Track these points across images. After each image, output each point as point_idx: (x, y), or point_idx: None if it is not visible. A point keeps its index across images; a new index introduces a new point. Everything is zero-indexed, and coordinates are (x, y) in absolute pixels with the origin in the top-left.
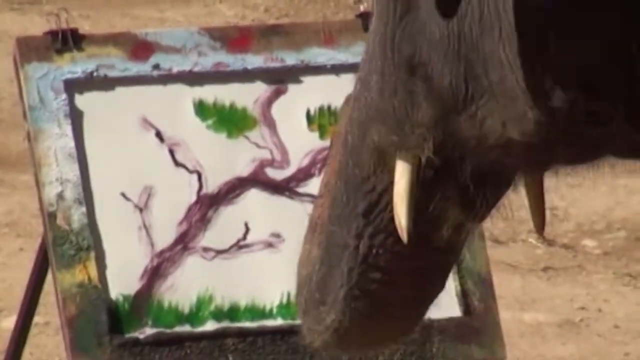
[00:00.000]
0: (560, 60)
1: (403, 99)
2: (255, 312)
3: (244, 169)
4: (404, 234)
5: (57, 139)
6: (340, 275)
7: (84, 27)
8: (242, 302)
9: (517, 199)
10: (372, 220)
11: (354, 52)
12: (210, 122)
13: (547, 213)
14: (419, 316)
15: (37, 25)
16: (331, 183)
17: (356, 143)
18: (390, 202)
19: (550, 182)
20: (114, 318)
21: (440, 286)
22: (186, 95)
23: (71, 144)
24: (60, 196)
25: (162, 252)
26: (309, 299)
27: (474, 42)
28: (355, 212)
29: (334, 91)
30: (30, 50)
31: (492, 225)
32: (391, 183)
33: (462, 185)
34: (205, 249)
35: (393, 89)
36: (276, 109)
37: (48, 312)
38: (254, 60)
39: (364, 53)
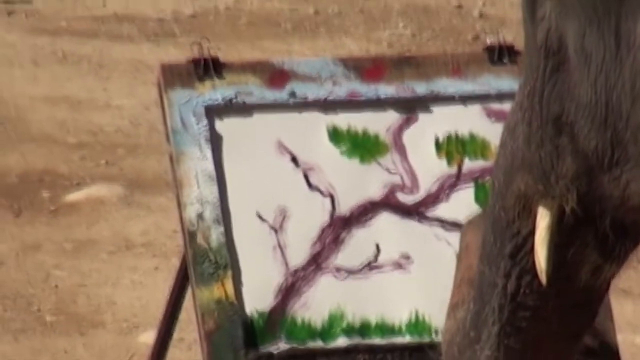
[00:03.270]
0: None
1: (549, 151)
2: (385, 329)
3: (376, 193)
4: (543, 276)
5: (198, 162)
6: (492, 312)
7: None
8: (372, 320)
9: None
10: (518, 261)
11: (480, 83)
12: (344, 148)
13: None
14: (570, 353)
15: (171, 55)
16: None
17: (502, 188)
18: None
19: None
20: (250, 333)
21: (587, 323)
22: (321, 122)
23: (211, 166)
24: (200, 216)
25: (296, 271)
26: (463, 340)
27: (622, 112)
28: (503, 253)
29: (461, 120)
30: (174, 77)
31: None
32: (535, 228)
33: (602, 234)
34: (338, 269)
35: (540, 141)
36: (407, 137)
37: (182, 329)
38: (386, 90)
39: (513, 102)
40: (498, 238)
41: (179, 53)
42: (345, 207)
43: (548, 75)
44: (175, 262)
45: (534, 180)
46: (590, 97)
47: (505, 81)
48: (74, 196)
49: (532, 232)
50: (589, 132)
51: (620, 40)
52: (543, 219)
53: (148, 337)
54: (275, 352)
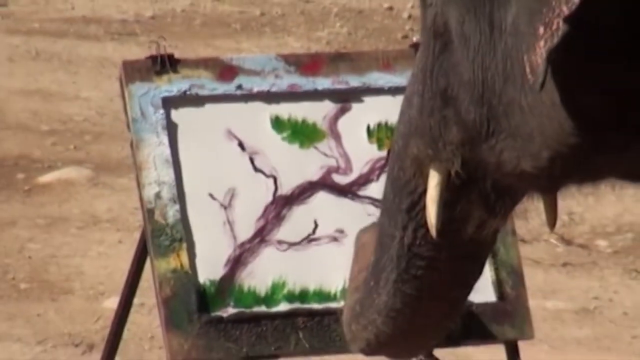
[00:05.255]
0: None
1: (437, 120)
2: (322, 295)
3: (314, 175)
4: (433, 230)
5: (155, 147)
6: (390, 260)
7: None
8: (311, 287)
9: (539, 205)
10: (414, 216)
11: (407, 77)
12: (285, 134)
13: (566, 217)
14: (460, 301)
15: (133, 53)
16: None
17: (400, 151)
18: None
19: (567, 191)
20: (202, 299)
21: (476, 273)
22: (265, 112)
23: (167, 151)
24: (157, 195)
25: (243, 244)
26: (364, 296)
27: (496, 90)
28: (400, 208)
29: (390, 110)
30: (134, 72)
31: (518, 227)
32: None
33: (484, 193)
34: (280, 242)
35: (430, 110)
36: (341, 124)
37: (142, 295)
38: (323, 82)
39: (410, 76)
40: (397, 195)
41: (140, 51)
42: (286, 187)
43: (437, 53)
44: (137, 236)
45: (425, 145)
46: (469, 75)
47: None
48: (46, 178)
49: (425, 191)
50: (468, 106)
51: (494, 26)
52: (433, 179)
53: (113, 303)
54: (224, 315)
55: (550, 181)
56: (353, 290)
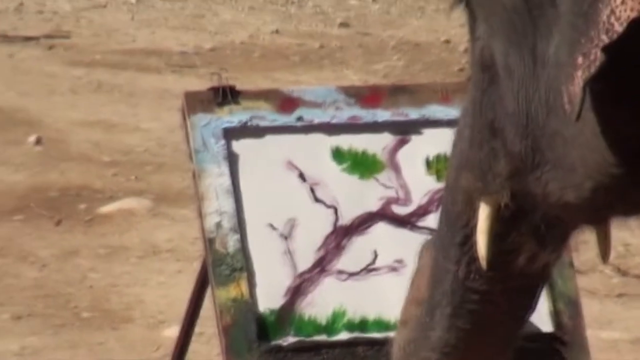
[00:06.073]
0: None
1: (487, 153)
2: (382, 324)
3: (374, 206)
4: (483, 262)
5: (217, 177)
6: (444, 295)
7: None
8: (371, 316)
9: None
10: (467, 250)
11: None
12: (345, 165)
13: (622, 248)
14: (514, 335)
15: (193, 85)
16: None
17: (452, 184)
18: None
19: (622, 222)
20: (262, 328)
21: (530, 307)
22: (325, 143)
23: (228, 181)
24: (218, 225)
25: (302, 274)
26: (417, 331)
27: (539, 122)
28: (454, 242)
29: (448, 142)
30: (196, 103)
31: (575, 258)
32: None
33: (534, 225)
34: (340, 272)
35: (479, 143)
36: (401, 156)
37: (202, 324)
38: (383, 115)
39: (461, 109)
40: (450, 228)
41: (199, 83)
42: (346, 217)
43: (485, 86)
44: (196, 266)
45: (474, 178)
46: (514, 107)
47: None
48: (107, 208)
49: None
50: (514, 138)
51: (537, 58)
52: (483, 212)
53: (173, 332)
54: (284, 344)
55: (594, 212)
56: (401, 324)
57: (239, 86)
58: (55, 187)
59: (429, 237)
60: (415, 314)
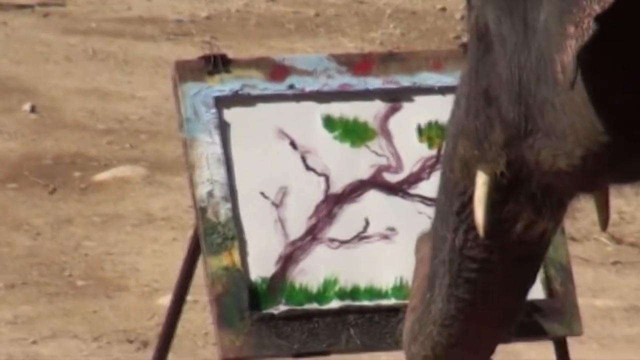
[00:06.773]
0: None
1: (483, 121)
2: (373, 292)
3: (365, 173)
4: (480, 230)
5: (208, 146)
6: (443, 264)
7: (228, 55)
8: (362, 284)
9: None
10: (464, 218)
11: (457, 76)
12: (336, 133)
13: (616, 216)
14: (515, 307)
15: (188, 53)
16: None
17: (449, 152)
18: None
19: (619, 190)
20: (254, 296)
21: (530, 277)
22: (316, 111)
23: (219, 150)
24: (210, 194)
25: (294, 242)
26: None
27: (531, 89)
28: (451, 210)
29: (440, 109)
30: (187, 72)
31: (569, 225)
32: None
33: (530, 193)
34: (331, 240)
35: (475, 112)
36: (392, 123)
37: (196, 292)
38: (374, 82)
39: (458, 78)
40: (448, 197)
41: (195, 51)
42: (337, 185)
43: (480, 54)
44: (191, 234)
45: (471, 146)
46: (507, 75)
47: None
48: (102, 176)
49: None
50: (508, 105)
51: (527, 26)
52: (480, 180)
53: (167, 300)
54: (276, 313)
55: (585, 180)
56: (410, 310)
57: (234, 55)
58: (49, 155)
59: (425, 232)
60: (421, 299)
